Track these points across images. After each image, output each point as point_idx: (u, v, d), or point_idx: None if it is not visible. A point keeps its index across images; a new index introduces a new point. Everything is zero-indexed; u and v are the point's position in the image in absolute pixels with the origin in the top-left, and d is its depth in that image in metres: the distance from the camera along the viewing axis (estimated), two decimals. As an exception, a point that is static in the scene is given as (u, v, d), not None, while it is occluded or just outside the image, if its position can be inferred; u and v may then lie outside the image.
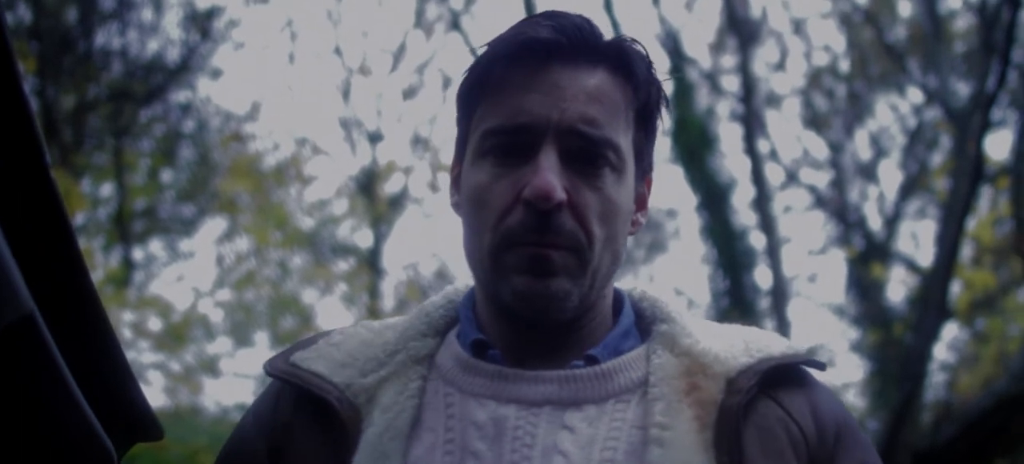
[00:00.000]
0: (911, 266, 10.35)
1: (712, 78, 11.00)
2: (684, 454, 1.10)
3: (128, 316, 8.67)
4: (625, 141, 1.20)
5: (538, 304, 1.16)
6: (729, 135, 11.86)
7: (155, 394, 8.22)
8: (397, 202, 10.55)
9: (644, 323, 1.28)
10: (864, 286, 10.30)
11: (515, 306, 1.19)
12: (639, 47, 1.23)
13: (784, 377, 1.20)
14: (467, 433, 1.15)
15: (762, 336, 1.24)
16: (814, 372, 1.27)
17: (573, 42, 1.18)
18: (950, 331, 9.80)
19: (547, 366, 1.19)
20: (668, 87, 1.27)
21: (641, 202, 1.29)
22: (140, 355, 8.51)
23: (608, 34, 1.22)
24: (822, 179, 11.24)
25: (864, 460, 1.21)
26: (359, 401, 1.20)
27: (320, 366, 1.24)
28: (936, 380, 9.35)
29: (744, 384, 1.15)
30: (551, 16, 1.19)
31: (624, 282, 1.34)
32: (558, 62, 1.17)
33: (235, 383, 9.81)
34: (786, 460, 1.14)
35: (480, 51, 1.22)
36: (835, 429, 1.20)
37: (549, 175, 1.13)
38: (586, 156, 1.16)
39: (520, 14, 1.36)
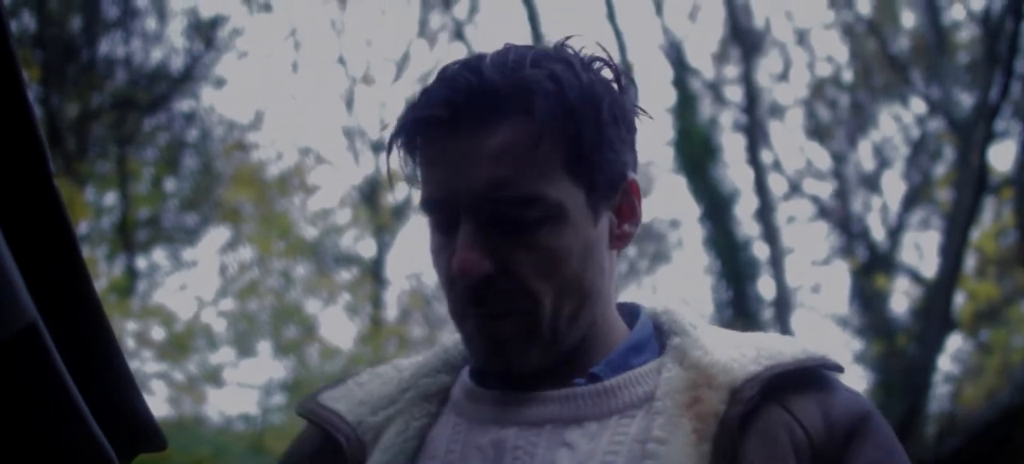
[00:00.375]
0: (915, 277, 10.34)
1: (715, 88, 11.01)
2: None
3: (131, 325, 8.66)
4: (553, 187, 1.12)
5: (499, 366, 1.19)
6: (732, 146, 11.84)
7: (158, 404, 8.21)
8: (400, 212, 10.54)
9: (663, 338, 1.26)
10: (867, 297, 10.29)
11: (484, 368, 1.21)
12: (546, 71, 1.13)
13: (798, 382, 1.16)
14: (468, 456, 1.16)
15: (777, 342, 1.20)
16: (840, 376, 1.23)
17: (465, 106, 1.12)
18: (954, 342, 9.78)
19: (550, 388, 1.19)
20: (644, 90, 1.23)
21: (628, 212, 1.24)
22: (143, 365, 8.50)
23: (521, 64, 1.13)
24: (825, 190, 11.24)
25: (878, 460, 1.14)
26: (367, 439, 1.21)
27: (341, 405, 1.26)
28: (940, 391, 9.34)
29: (747, 393, 1.12)
30: (444, 82, 1.15)
31: (629, 294, 1.33)
32: (461, 127, 1.12)
33: (238, 393, 9.81)
34: None
35: (397, 120, 1.20)
36: (848, 427, 1.14)
37: (464, 253, 1.10)
38: (508, 219, 1.12)
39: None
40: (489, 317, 1.15)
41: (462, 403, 1.23)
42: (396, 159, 1.20)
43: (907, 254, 10.74)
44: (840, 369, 1.21)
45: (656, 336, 1.27)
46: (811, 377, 1.18)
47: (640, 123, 1.25)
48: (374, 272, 10.33)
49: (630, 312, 1.30)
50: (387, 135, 1.21)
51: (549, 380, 1.19)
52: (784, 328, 10.03)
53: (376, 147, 10.80)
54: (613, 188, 1.21)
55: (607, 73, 1.21)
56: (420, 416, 1.22)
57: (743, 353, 1.17)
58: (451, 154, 1.13)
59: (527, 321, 1.15)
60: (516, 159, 1.11)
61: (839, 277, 11.95)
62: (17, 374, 0.89)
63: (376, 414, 1.23)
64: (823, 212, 10.91)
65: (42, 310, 0.89)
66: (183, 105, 9.62)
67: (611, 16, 9.36)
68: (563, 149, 1.13)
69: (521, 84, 1.12)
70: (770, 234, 10.45)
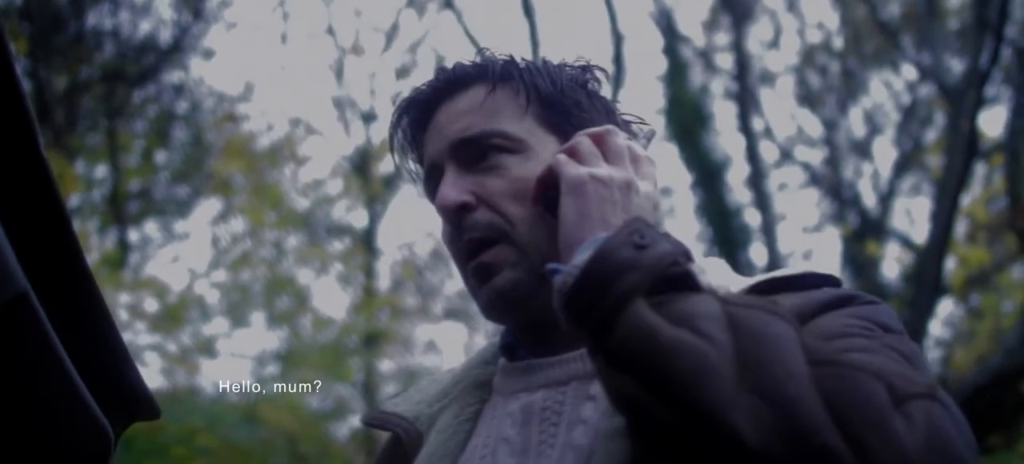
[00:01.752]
0: (906, 243, 10.38)
1: (706, 56, 11.00)
2: None
3: (124, 298, 8.66)
4: (515, 124, 1.26)
5: (497, 304, 1.23)
6: (723, 113, 11.83)
7: (152, 375, 8.21)
8: (391, 182, 10.53)
9: None
10: (859, 263, 10.33)
11: (489, 316, 1.27)
12: (513, 57, 1.32)
13: (784, 290, 1.15)
14: (502, 424, 1.22)
15: (783, 270, 1.21)
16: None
17: (445, 85, 1.30)
18: (945, 307, 9.85)
19: (573, 349, 1.22)
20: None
21: None
22: (136, 336, 8.51)
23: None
24: (816, 156, 11.26)
25: (846, 325, 1.06)
26: (423, 428, 1.31)
27: (401, 407, 1.36)
28: (931, 356, 9.39)
29: None
30: (436, 72, 1.33)
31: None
32: (441, 105, 1.30)
33: (232, 363, 9.82)
34: None
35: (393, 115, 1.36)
36: (825, 303, 1.11)
37: (444, 189, 1.23)
38: (476, 154, 1.25)
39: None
40: (477, 249, 1.23)
41: (499, 381, 1.29)
42: (398, 149, 1.36)
43: (898, 220, 10.79)
44: (835, 282, 1.21)
45: None
46: (798, 286, 1.18)
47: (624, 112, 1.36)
48: (366, 242, 10.34)
49: None
50: (387, 130, 1.36)
51: (571, 344, 1.22)
52: (776, 295, 10.05)
53: (366, 117, 10.79)
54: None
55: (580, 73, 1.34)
56: (473, 402, 1.30)
57: (746, 279, 1.21)
58: (434, 124, 1.30)
59: (511, 244, 1.22)
60: (480, 110, 1.27)
61: (831, 243, 12.01)
62: (8, 343, 0.89)
63: (432, 406, 1.33)
64: (814, 179, 10.95)
65: (35, 282, 0.90)
66: (172, 77, 9.59)
67: (602, -16, 9.34)
68: (522, 96, 1.28)
69: (483, 62, 1.32)
70: (762, 201, 10.48)
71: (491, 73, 1.29)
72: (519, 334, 1.30)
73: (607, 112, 1.32)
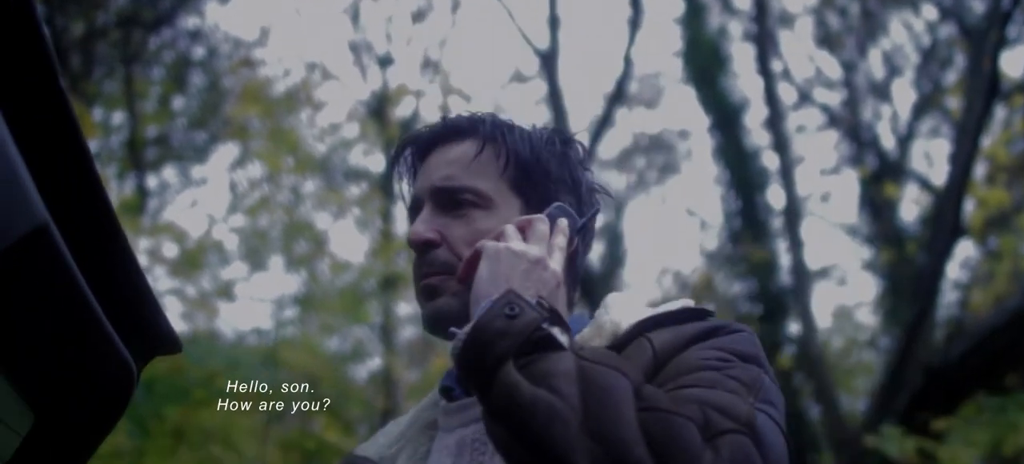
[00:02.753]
0: (924, 185, 10.34)
1: (724, -2, 10.90)
2: None
3: (143, 243, 8.70)
4: (487, 184, 1.46)
5: (432, 321, 1.43)
6: (741, 55, 11.78)
7: (172, 320, 8.22)
8: (408, 126, 10.52)
9: None
10: (877, 205, 10.29)
11: (426, 330, 1.46)
12: (505, 120, 1.53)
13: (672, 324, 1.33)
14: (441, 457, 1.40)
15: (673, 303, 1.39)
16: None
17: (442, 132, 1.52)
18: (964, 249, 9.81)
19: None
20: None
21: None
22: (156, 281, 8.56)
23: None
24: (835, 98, 11.19)
25: (705, 357, 1.23)
26: None
27: (369, 450, 1.53)
28: (949, 298, 9.39)
29: (620, 333, 1.34)
30: (440, 119, 1.54)
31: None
32: (435, 149, 1.52)
33: (251, 307, 9.88)
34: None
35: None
36: (694, 336, 1.28)
37: (417, 225, 1.45)
38: (450, 202, 1.46)
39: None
40: (428, 274, 1.42)
41: (441, 421, 1.46)
42: (399, 180, 1.58)
43: (917, 162, 10.75)
44: (709, 313, 1.38)
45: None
46: (686, 320, 1.35)
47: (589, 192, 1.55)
48: (383, 186, 10.34)
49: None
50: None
51: None
52: (794, 236, 10.05)
53: (383, 61, 10.76)
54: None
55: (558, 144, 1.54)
56: (425, 442, 1.46)
57: (641, 313, 1.37)
58: (426, 165, 1.52)
59: (455, 280, 1.40)
60: (465, 164, 1.47)
61: (849, 186, 11.97)
62: (29, 274, 0.90)
63: (391, 448, 1.50)
64: (833, 121, 10.88)
65: (57, 216, 0.91)
66: (188, 22, 9.58)
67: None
68: (500, 160, 1.47)
69: (475, 119, 1.53)
70: (780, 143, 10.43)
71: (481, 132, 1.49)
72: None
73: (573, 182, 1.52)
